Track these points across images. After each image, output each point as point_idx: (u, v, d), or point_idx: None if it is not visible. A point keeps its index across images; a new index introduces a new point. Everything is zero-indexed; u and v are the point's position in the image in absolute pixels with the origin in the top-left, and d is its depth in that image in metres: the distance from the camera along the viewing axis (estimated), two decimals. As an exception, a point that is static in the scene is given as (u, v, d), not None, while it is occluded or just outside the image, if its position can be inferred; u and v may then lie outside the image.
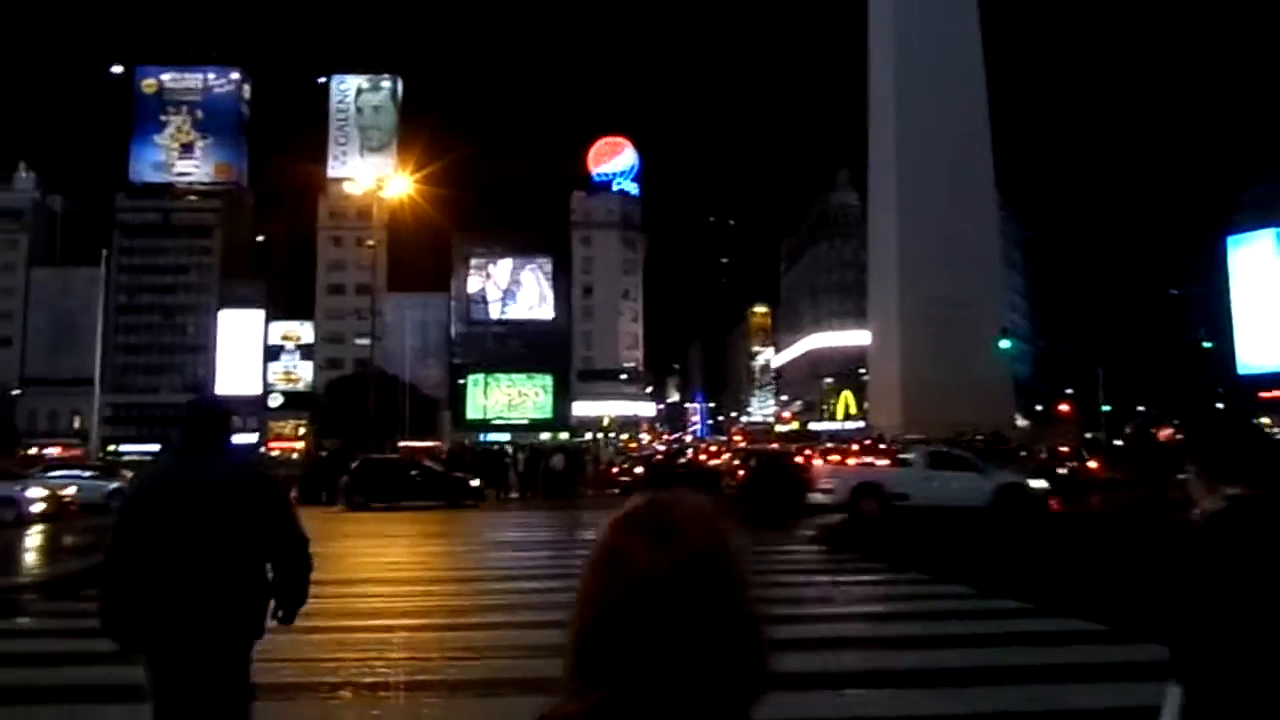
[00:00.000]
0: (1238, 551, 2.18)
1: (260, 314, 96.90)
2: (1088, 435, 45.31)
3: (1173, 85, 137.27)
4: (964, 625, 7.78)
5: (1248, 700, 2.11)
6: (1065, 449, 30.57)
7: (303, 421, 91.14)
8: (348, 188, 61.76)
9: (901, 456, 21.14)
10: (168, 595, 3.26)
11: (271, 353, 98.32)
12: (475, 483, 25.92)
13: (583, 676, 0.97)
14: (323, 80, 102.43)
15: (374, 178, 42.87)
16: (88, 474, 26.63)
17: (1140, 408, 65.24)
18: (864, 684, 5.97)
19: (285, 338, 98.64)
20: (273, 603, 3.51)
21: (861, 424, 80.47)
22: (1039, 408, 76.30)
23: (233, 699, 3.34)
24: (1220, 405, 75.64)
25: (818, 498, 19.54)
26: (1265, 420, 71.46)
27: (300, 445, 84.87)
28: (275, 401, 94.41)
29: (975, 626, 7.66)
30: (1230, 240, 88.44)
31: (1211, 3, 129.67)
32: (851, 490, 19.12)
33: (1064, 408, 68.67)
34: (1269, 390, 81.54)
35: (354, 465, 25.37)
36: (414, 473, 25.75)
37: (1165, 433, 42.82)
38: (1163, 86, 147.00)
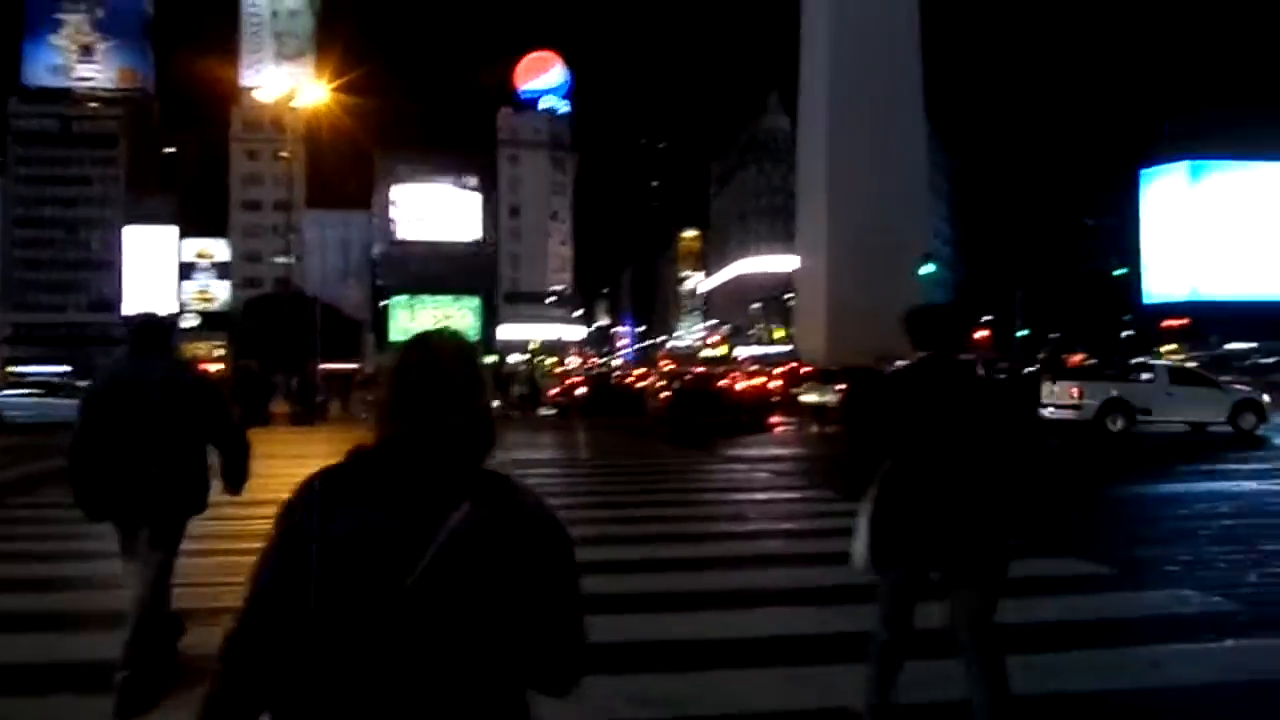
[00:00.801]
0: (906, 389, 3.50)
1: (172, 230, 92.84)
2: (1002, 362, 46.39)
3: (1101, 20, 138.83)
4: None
5: (905, 499, 3.37)
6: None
7: (219, 343, 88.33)
8: (258, 95, 58.90)
9: (1142, 375, 21.17)
10: (126, 473, 3.96)
11: (184, 270, 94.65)
12: None
13: (381, 425, 1.50)
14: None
15: (288, 86, 40.62)
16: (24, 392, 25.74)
17: (1053, 335, 67.14)
18: (785, 601, 5.86)
19: (199, 255, 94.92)
20: (220, 482, 4.33)
21: (786, 348, 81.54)
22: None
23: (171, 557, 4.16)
24: (1127, 334, 78.49)
25: (1060, 414, 19.61)
26: (1172, 347, 74.53)
27: (218, 367, 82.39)
28: (190, 321, 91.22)
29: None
30: (1144, 173, 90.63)
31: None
32: (1100, 406, 19.35)
33: (981, 333, 70.40)
34: (1173, 319, 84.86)
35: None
36: None
37: (1075, 359, 44.15)
38: (1091, 21, 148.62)
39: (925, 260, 39.16)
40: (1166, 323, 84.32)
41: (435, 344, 1.54)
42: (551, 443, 19.28)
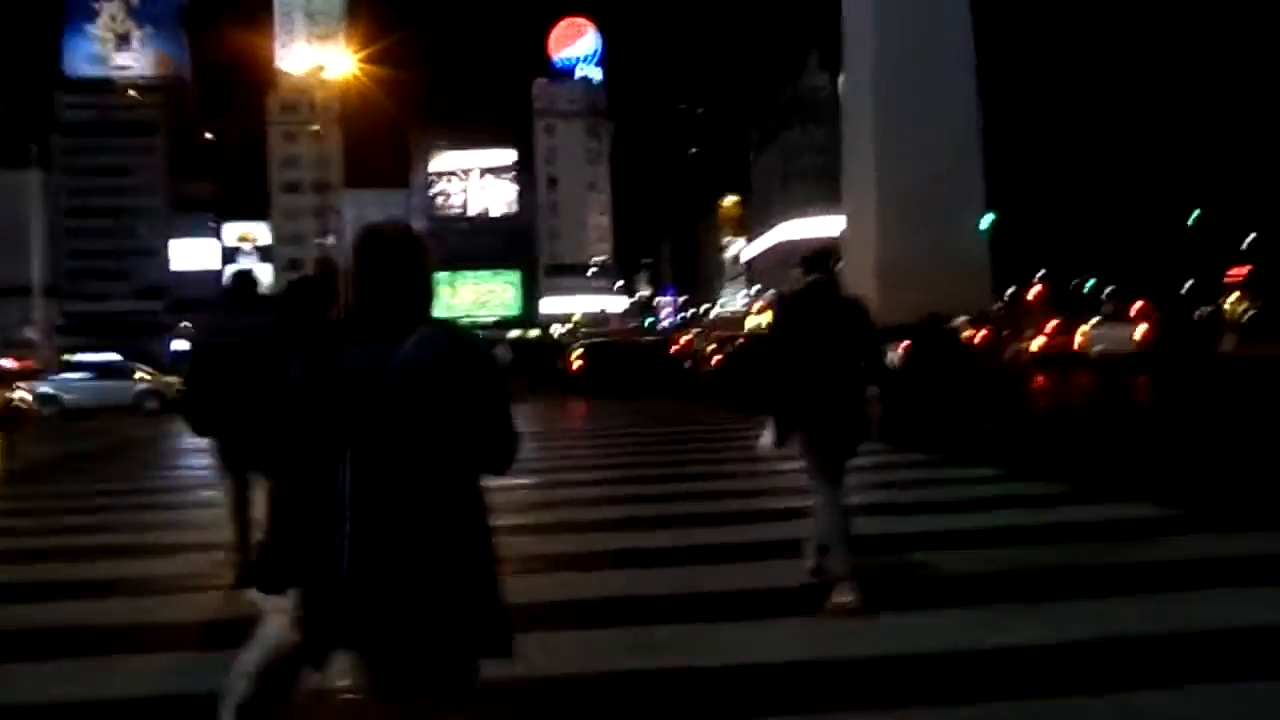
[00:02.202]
0: (797, 307, 4.76)
1: (212, 216, 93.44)
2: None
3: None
4: (930, 491, 7.56)
5: (795, 383, 4.63)
6: (1053, 324, 29.76)
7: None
8: (284, 66, 58.26)
9: None
10: (227, 398, 4.83)
11: (228, 255, 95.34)
12: None
13: (352, 291, 2.07)
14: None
15: (318, 62, 39.90)
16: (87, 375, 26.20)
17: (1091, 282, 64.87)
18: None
19: (242, 239, 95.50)
20: None
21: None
22: (1012, 289, 75.74)
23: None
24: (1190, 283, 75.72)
25: None
26: (1231, 300, 71.80)
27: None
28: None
29: (940, 492, 7.49)
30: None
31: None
32: None
33: (1036, 288, 68.05)
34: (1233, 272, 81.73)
35: None
36: None
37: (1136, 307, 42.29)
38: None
39: (985, 212, 37.40)
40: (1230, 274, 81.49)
41: (383, 231, 2.12)
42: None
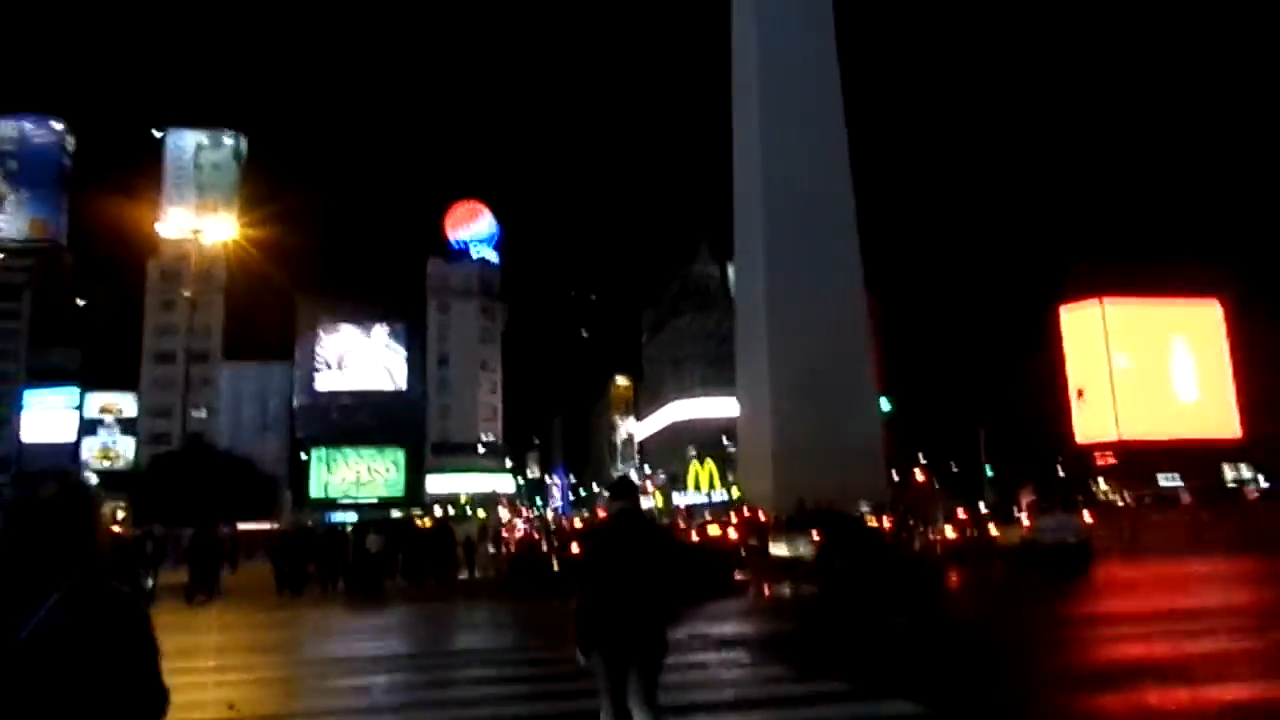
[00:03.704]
0: (603, 535, 5.36)
1: (74, 388, 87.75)
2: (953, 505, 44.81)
3: (1006, 174, 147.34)
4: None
5: (595, 605, 4.98)
6: (963, 514, 29.28)
7: (121, 503, 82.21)
8: (166, 233, 56.38)
9: None
10: None
11: (88, 427, 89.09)
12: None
13: None
14: (159, 134, 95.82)
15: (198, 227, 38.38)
16: None
17: (989, 473, 66.62)
18: None
19: (104, 410, 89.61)
20: None
21: (723, 495, 79.17)
22: (894, 474, 76.98)
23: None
24: (1061, 474, 78.80)
25: None
26: (1102, 484, 74.61)
27: (118, 530, 76.13)
28: (90, 482, 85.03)
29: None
30: (1063, 311, 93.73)
31: (1037, 111, 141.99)
32: None
33: (920, 476, 69.34)
34: (1103, 456, 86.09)
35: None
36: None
37: (1028, 499, 42.91)
38: (1000, 176, 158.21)
39: (880, 396, 37.81)
40: (1101, 460, 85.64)
41: (35, 487, 2.07)
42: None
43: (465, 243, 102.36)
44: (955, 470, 77.63)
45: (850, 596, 15.27)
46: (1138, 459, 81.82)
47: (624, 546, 5.03)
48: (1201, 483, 67.08)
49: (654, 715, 4.94)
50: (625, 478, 5.97)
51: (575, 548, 22.53)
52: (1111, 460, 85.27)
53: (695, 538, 25.77)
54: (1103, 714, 6.65)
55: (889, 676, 8.12)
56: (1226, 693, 7.26)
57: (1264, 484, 74.11)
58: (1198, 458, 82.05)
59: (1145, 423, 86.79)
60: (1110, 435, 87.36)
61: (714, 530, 26.01)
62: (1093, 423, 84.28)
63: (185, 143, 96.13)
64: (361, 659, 10.89)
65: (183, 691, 8.76)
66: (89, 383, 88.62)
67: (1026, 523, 24.09)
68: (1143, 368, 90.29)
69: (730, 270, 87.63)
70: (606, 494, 5.58)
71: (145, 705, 1.94)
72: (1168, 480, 74.10)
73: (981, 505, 36.40)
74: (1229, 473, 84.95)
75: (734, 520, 29.40)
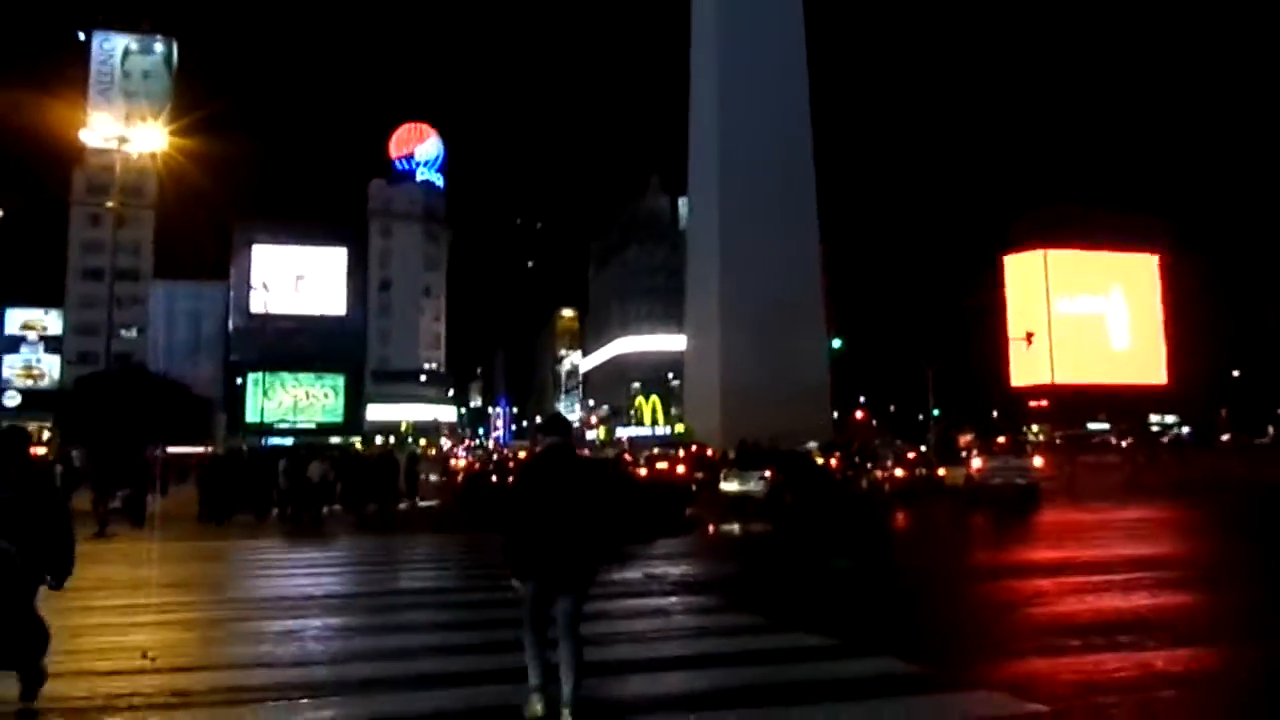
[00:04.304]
0: (532, 469, 5.51)
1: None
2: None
3: (965, 115, 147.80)
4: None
5: (522, 538, 5.18)
6: (912, 454, 29.37)
7: (48, 424, 79.33)
8: (91, 141, 53.35)
9: None
10: None
11: (9, 344, 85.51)
12: None
13: None
14: (82, 36, 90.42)
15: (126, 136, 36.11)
16: None
17: (935, 413, 67.72)
18: None
19: (26, 326, 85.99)
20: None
21: (666, 430, 79.33)
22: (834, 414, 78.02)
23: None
24: (995, 414, 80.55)
25: None
26: (1034, 428, 76.40)
27: (43, 451, 73.62)
28: (12, 400, 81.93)
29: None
30: (1007, 260, 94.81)
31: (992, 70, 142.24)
32: None
33: (859, 414, 70.30)
34: (1036, 401, 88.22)
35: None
36: None
37: (965, 438, 43.52)
38: (955, 117, 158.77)
39: (828, 337, 37.70)
40: (1033, 404, 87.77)
41: None
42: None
43: (411, 165, 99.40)
44: (893, 410, 78.98)
45: (802, 535, 15.01)
46: (1069, 403, 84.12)
47: (553, 481, 5.20)
48: (1127, 426, 69.37)
49: (576, 645, 5.12)
50: (557, 414, 6.04)
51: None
52: (1044, 404, 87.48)
53: (644, 472, 25.42)
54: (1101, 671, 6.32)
55: (870, 630, 7.74)
56: (1194, 636, 7.07)
57: (1185, 430, 76.94)
58: (1126, 404, 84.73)
59: (1079, 369, 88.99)
60: (1045, 380, 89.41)
61: (663, 465, 25.65)
62: (1029, 367, 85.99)
63: (112, 46, 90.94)
64: (295, 598, 10.20)
65: (91, 634, 7.78)
66: (10, 298, 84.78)
67: (977, 464, 24.14)
68: (1080, 315, 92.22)
69: (681, 205, 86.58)
70: (539, 428, 5.59)
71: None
72: (1097, 425, 76.39)
73: (923, 446, 36.80)
74: (1154, 418, 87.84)
75: (682, 456, 29.07)
